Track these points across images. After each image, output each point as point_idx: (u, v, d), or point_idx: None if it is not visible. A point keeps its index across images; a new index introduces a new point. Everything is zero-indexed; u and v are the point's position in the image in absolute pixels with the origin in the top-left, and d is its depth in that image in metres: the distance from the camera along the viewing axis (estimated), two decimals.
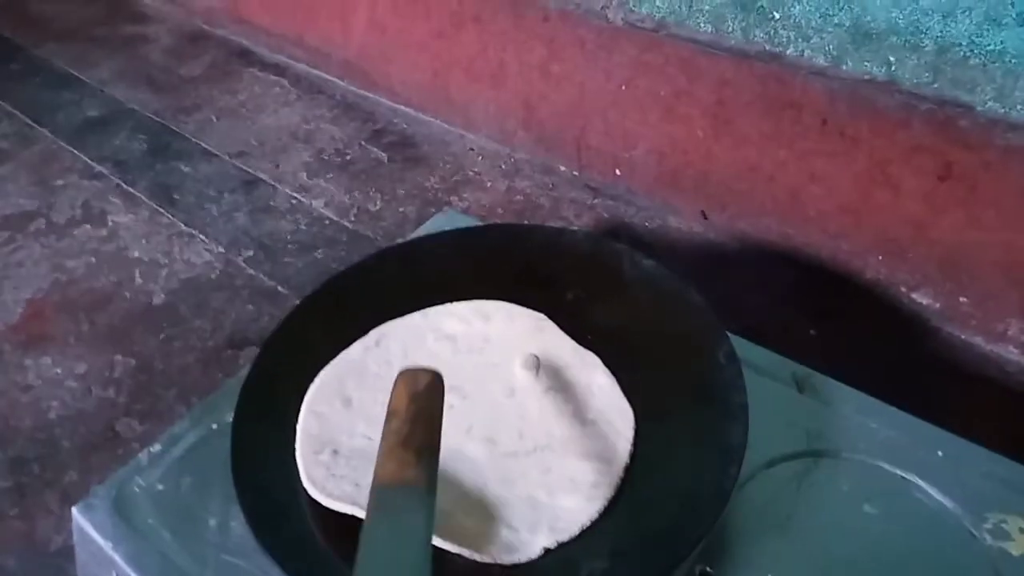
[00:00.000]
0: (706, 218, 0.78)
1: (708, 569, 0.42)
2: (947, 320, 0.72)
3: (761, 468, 0.48)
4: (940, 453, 0.48)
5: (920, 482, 0.47)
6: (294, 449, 0.47)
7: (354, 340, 0.52)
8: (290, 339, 0.52)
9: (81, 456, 0.67)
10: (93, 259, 0.87)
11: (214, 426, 0.52)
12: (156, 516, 0.47)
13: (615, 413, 0.47)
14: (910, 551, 0.44)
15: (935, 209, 0.67)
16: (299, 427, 0.48)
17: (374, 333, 0.53)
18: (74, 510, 0.49)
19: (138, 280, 0.84)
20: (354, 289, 0.55)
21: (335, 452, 0.46)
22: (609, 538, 0.41)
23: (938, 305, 0.72)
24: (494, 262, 0.55)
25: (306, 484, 0.45)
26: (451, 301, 0.55)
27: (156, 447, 0.51)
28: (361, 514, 0.41)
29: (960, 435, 0.50)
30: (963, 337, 0.72)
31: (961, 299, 0.71)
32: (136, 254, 0.87)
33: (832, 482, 0.47)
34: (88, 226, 0.91)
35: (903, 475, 0.47)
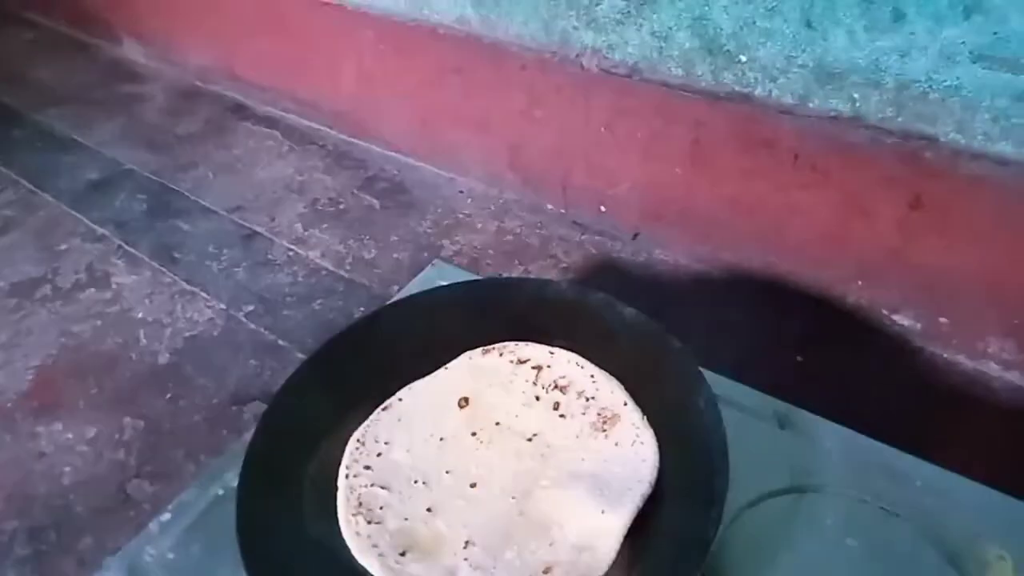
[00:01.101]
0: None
1: None
2: (929, 340, 0.74)
3: (746, 507, 0.49)
4: (919, 483, 0.50)
5: (901, 513, 0.48)
6: (300, 514, 0.48)
7: (354, 400, 0.54)
8: (291, 403, 0.54)
9: (95, 520, 0.69)
10: (99, 322, 0.89)
11: (220, 492, 0.54)
12: None
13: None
14: None
15: (910, 235, 0.69)
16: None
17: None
18: None
19: (143, 341, 0.86)
20: (349, 354, 0.57)
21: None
22: None
23: (919, 326, 0.74)
24: (486, 316, 0.58)
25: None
26: (445, 359, 0.57)
27: (166, 516, 0.53)
28: None
29: (940, 462, 0.51)
30: (945, 356, 0.74)
31: (941, 319, 0.72)
32: (140, 314, 0.90)
33: (816, 517, 0.49)
34: (93, 289, 0.94)
35: (884, 508, 0.49)
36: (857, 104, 0.66)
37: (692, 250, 0.87)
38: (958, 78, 0.60)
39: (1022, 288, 0.66)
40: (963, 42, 0.58)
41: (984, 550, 0.46)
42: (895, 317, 0.75)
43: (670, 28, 0.73)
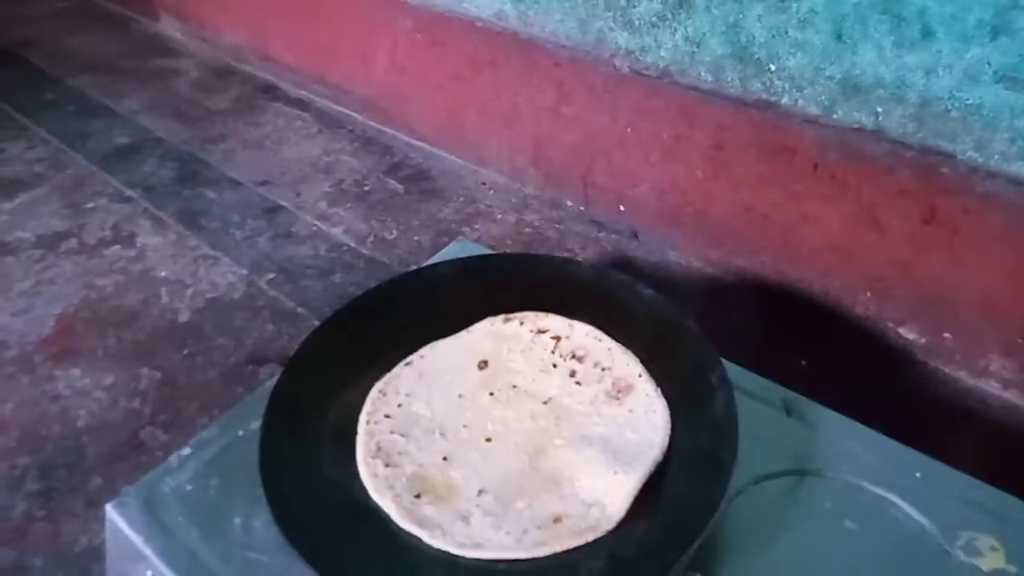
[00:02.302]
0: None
1: None
2: (932, 355, 0.76)
3: (749, 484, 0.51)
4: (918, 474, 0.52)
5: (898, 501, 0.50)
6: (319, 454, 0.50)
7: (378, 354, 0.56)
8: (317, 351, 0.55)
9: (106, 463, 0.70)
10: (122, 278, 0.91)
11: (240, 433, 0.56)
12: (185, 515, 0.51)
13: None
14: (888, 566, 0.47)
15: (920, 250, 0.71)
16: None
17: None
18: (108, 507, 0.52)
19: (164, 299, 0.88)
20: (374, 311, 0.59)
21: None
22: (607, 542, 0.44)
23: (923, 340, 0.76)
24: (505, 289, 0.60)
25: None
26: (465, 325, 0.59)
27: (186, 451, 0.55)
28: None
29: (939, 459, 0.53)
30: (947, 371, 0.75)
31: (945, 335, 0.74)
32: (163, 274, 0.92)
33: (816, 499, 0.51)
34: (118, 247, 0.96)
35: (883, 494, 0.50)
36: (880, 118, 0.68)
37: (705, 253, 0.89)
38: (980, 97, 0.62)
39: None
40: (988, 62, 0.60)
41: (978, 539, 0.48)
42: (900, 330, 0.77)
43: (704, 34, 0.76)
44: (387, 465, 0.49)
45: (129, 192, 1.05)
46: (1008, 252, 0.66)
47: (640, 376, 0.53)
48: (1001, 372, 0.72)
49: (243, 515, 0.51)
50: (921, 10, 0.62)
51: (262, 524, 0.49)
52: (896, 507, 0.50)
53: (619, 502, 0.45)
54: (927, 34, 0.62)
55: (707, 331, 0.56)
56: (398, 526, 0.46)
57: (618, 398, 0.52)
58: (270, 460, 0.49)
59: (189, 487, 0.53)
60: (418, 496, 0.47)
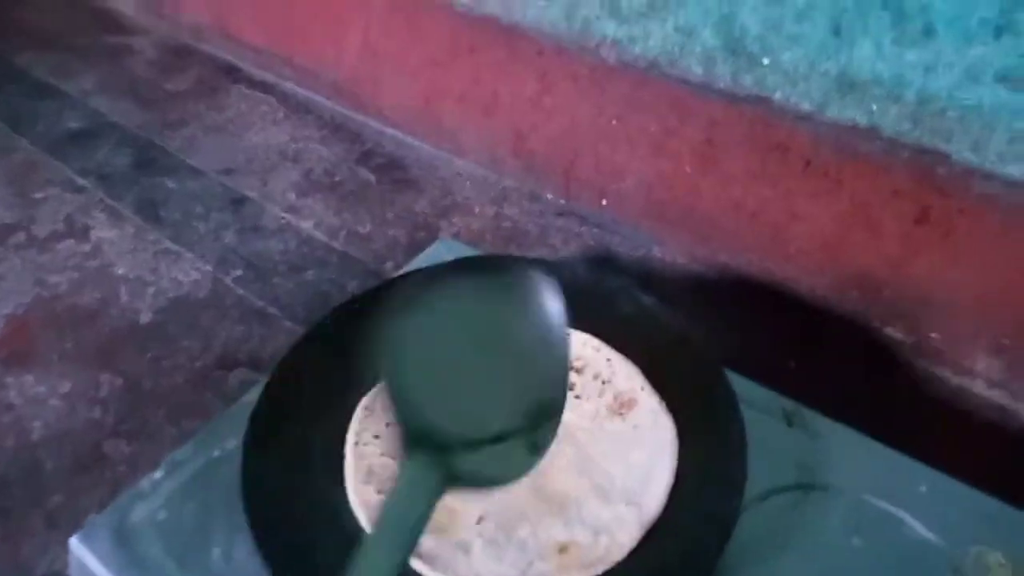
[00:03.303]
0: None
1: None
2: (918, 354, 0.76)
3: (754, 500, 0.49)
4: (924, 488, 0.51)
5: (905, 516, 0.49)
6: (305, 480, 0.47)
7: (363, 368, 0.53)
8: (297, 365, 0.52)
9: (67, 478, 0.66)
10: (77, 274, 0.86)
11: (217, 453, 0.52)
12: (159, 545, 0.47)
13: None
14: None
15: (911, 250, 0.71)
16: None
17: None
18: (72, 541, 0.48)
19: (124, 297, 0.83)
20: (359, 320, 0.55)
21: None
22: (618, 573, 0.42)
23: (910, 340, 0.75)
24: None
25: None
26: None
27: (158, 474, 0.51)
28: None
29: (941, 470, 0.52)
30: (933, 371, 0.75)
31: (932, 335, 0.74)
32: (121, 271, 0.86)
33: (821, 515, 0.49)
34: (71, 241, 0.90)
35: (889, 509, 0.49)
36: (875, 116, 0.67)
37: (691, 250, 0.87)
38: (979, 97, 0.61)
39: (1014, 310, 0.68)
40: (989, 62, 0.59)
41: (985, 555, 0.47)
42: (887, 330, 0.76)
43: (695, 25, 0.73)
44: (380, 492, 0.46)
45: (82, 181, 0.99)
46: (1002, 254, 0.66)
47: (643, 389, 0.51)
48: (988, 372, 0.72)
49: (223, 544, 0.47)
50: (924, 6, 0.60)
51: (244, 554, 0.46)
52: (903, 523, 0.49)
53: (630, 531, 0.43)
54: (929, 31, 0.61)
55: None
56: None
57: (621, 413, 0.50)
58: (252, 485, 0.45)
59: (163, 514, 0.49)
60: None
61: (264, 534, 0.43)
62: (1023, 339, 0.68)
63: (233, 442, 0.50)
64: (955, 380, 0.74)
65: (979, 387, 0.73)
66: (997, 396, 0.73)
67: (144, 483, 0.51)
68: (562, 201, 0.95)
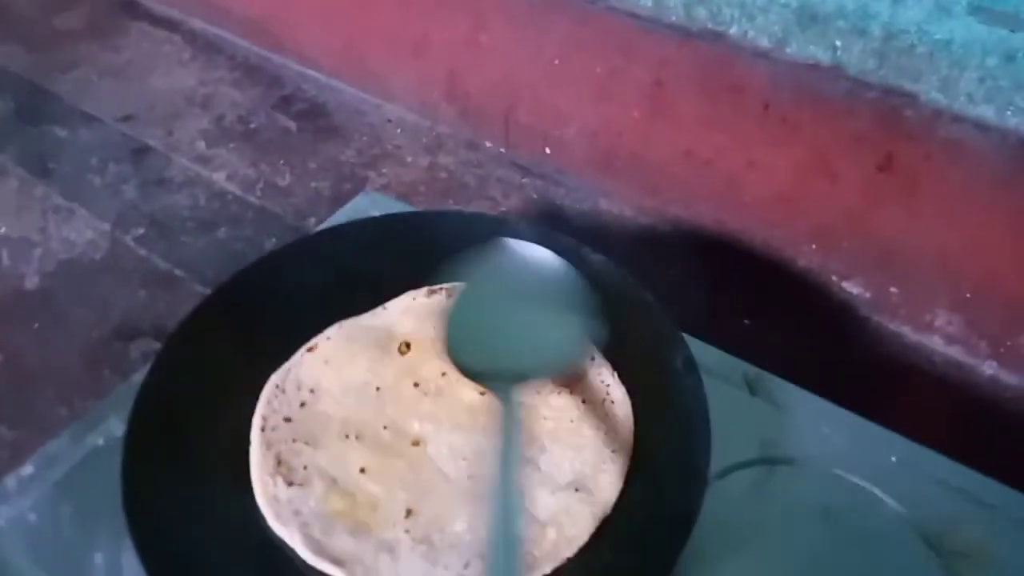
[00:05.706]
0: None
1: None
2: (876, 310, 0.72)
3: (715, 477, 0.45)
4: (893, 459, 0.47)
5: (874, 489, 0.46)
6: (201, 472, 0.40)
7: (272, 339, 0.46)
8: (195, 337, 0.45)
9: None
10: None
11: (100, 442, 0.45)
12: (28, 555, 0.40)
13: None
14: (866, 558, 0.43)
15: (873, 200, 0.66)
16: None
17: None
18: None
19: (6, 261, 0.73)
20: (270, 280, 0.48)
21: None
22: (568, 572, 0.37)
23: (868, 295, 0.72)
24: (427, 254, 0.50)
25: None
26: (380, 301, 0.49)
27: (27, 469, 0.44)
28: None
29: (900, 430, 0.49)
30: (891, 327, 0.72)
31: (892, 289, 0.71)
32: (3, 230, 0.76)
33: (788, 491, 0.45)
34: None
35: (859, 483, 0.46)
36: (838, 52, 0.62)
37: (639, 202, 0.81)
38: (950, 31, 0.56)
39: (978, 263, 0.65)
40: None
41: (959, 527, 0.44)
42: (844, 284, 0.73)
43: None
44: (290, 484, 0.39)
45: None
46: (966, 205, 0.62)
47: (593, 360, 0.45)
48: (946, 328, 0.69)
49: (106, 550, 0.41)
50: None
51: (134, 560, 0.39)
52: (874, 497, 0.45)
53: (581, 523, 0.37)
54: None
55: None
56: (307, 564, 0.37)
57: (567, 385, 0.44)
58: (135, 482, 0.38)
59: (33, 517, 0.42)
60: (331, 523, 0.38)
61: (149, 542, 0.36)
62: (985, 293, 0.65)
63: (119, 430, 0.43)
64: (913, 336, 0.71)
65: (937, 343, 0.71)
66: (955, 352, 0.70)
67: (10, 481, 0.43)
68: (502, 150, 0.88)
